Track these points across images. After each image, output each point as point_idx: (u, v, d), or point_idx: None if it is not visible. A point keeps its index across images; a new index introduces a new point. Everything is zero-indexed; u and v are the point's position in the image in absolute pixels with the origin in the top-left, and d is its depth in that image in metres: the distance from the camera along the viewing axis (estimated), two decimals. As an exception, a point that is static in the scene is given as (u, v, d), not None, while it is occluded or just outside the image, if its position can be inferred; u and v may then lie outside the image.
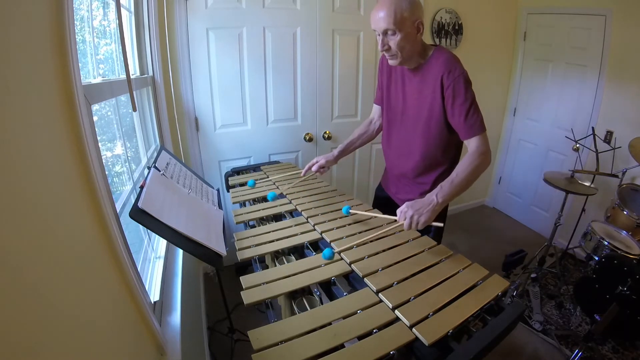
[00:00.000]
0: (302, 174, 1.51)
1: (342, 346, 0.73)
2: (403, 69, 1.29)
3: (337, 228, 1.20)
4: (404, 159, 1.41)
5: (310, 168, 1.48)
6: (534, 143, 2.91)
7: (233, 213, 1.36)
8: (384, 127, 1.49)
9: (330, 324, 0.78)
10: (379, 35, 1.14)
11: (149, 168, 1.11)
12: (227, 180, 1.82)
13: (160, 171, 1.11)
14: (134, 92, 1.18)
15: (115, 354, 0.65)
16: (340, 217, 1.29)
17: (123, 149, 1.18)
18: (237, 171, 1.99)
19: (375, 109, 1.57)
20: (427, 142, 1.29)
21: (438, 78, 1.16)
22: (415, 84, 1.26)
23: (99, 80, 0.98)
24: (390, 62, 1.21)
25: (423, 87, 1.23)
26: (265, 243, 1.12)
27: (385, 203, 1.58)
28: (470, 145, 1.18)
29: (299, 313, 0.85)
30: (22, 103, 0.46)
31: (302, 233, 1.18)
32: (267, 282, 0.91)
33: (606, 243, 1.74)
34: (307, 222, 1.27)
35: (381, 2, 1.11)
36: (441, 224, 1.09)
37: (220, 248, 1.03)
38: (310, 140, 2.32)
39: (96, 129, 0.74)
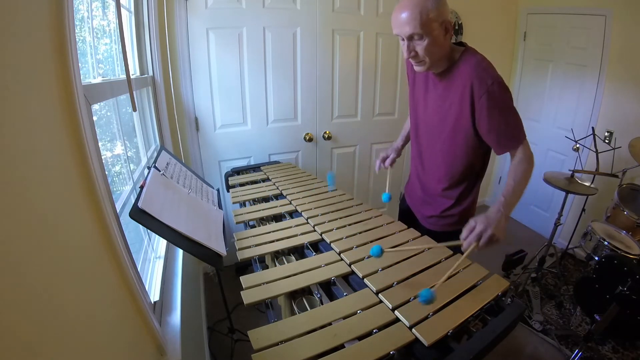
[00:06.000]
0: (376, 170, 1.44)
1: (342, 346, 0.73)
2: (427, 72, 1.16)
3: (337, 229, 1.20)
4: (427, 171, 1.30)
5: (383, 163, 1.40)
6: (534, 143, 2.85)
7: (233, 213, 1.37)
8: (412, 137, 1.36)
9: (330, 324, 0.78)
10: (403, 40, 1.01)
11: (149, 168, 1.11)
12: (227, 180, 1.82)
13: (160, 171, 1.10)
14: (134, 92, 1.18)
15: (115, 353, 0.65)
16: (340, 218, 1.29)
17: (123, 149, 1.18)
18: (237, 171, 2.00)
19: None
20: (453, 152, 1.17)
21: (467, 85, 1.03)
22: (440, 90, 1.14)
23: (99, 80, 0.98)
24: (417, 68, 1.09)
25: (449, 94, 1.10)
26: (265, 243, 1.13)
27: (406, 215, 1.47)
28: (517, 153, 1.06)
29: (299, 313, 0.85)
30: (22, 103, 0.46)
31: (302, 234, 1.18)
32: (267, 282, 0.91)
33: (606, 243, 1.74)
34: (307, 222, 1.27)
35: (403, 2, 0.97)
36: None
37: (220, 248, 1.03)
38: (310, 140, 2.32)
39: (96, 129, 0.74)
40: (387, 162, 1.39)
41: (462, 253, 0.92)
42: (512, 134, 1.05)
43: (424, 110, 1.23)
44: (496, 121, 1.03)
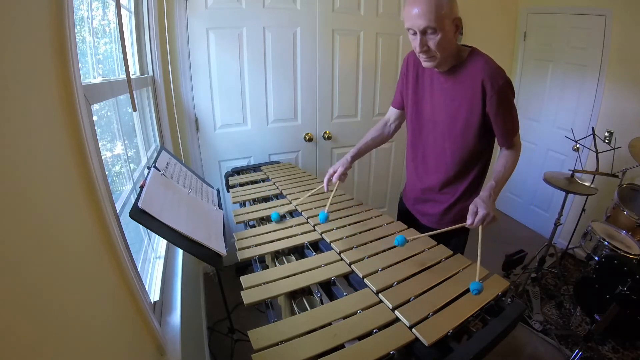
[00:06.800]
0: (325, 189, 1.30)
1: (342, 346, 0.73)
2: (432, 72, 1.17)
3: (337, 228, 1.20)
4: (432, 170, 1.29)
5: (330, 180, 1.29)
6: (534, 143, 2.91)
7: (233, 213, 1.37)
8: (409, 137, 1.34)
9: (330, 324, 0.78)
10: (416, 34, 1.01)
11: (149, 168, 1.11)
12: (227, 180, 1.82)
13: (160, 171, 1.10)
14: (134, 92, 1.18)
15: (115, 353, 0.65)
16: (340, 218, 1.29)
17: (123, 149, 1.18)
18: (237, 171, 2.00)
19: (392, 112, 1.41)
20: (461, 150, 1.19)
21: (478, 83, 1.06)
22: (447, 88, 1.15)
23: (99, 80, 0.98)
24: (426, 64, 1.09)
25: (458, 91, 1.12)
26: (265, 243, 1.13)
27: (405, 216, 1.48)
28: (511, 143, 1.19)
29: (299, 313, 0.85)
30: (22, 103, 0.46)
31: (302, 233, 1.18)
32: (267, 282, 0.91)
33: (606, 243, 1.74)
34: (307, 222, 1.27)
35: None
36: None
37: (220, 248, 1.03)
38: (310, 140, 2.32)
39: (96, 129, 0.74)
40: (335, 177, 1.27)
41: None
42: (513, 128, 1.17)
43: (430, 109, 1.22)
44: (502, 117, 1.11)
